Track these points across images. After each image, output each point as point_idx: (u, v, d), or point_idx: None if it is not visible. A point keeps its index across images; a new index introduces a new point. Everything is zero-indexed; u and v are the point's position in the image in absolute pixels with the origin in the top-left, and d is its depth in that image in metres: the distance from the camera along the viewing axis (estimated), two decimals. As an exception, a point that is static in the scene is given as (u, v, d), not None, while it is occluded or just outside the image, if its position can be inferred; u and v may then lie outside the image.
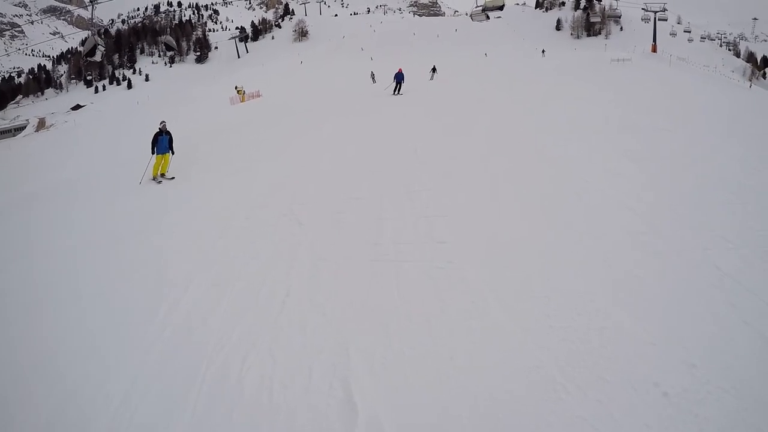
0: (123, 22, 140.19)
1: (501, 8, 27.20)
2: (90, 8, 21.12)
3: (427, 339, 4.11)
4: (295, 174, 9.47)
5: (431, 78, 29.85)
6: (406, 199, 7.31)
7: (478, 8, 27.71)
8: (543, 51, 46.64)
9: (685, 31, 74.98)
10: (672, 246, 5.14)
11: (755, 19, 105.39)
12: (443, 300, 4.64)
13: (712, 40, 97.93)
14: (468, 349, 3.94)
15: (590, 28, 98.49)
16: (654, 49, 36.77)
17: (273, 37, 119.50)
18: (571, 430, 3.15)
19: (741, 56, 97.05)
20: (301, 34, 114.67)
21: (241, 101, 33.43)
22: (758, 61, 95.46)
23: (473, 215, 6.50)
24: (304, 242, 6.29)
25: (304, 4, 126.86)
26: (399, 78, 22.44)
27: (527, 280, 4.79)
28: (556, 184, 7.24)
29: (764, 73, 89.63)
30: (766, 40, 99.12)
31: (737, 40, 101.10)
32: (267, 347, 4.27)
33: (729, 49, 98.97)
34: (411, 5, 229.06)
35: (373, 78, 35.22)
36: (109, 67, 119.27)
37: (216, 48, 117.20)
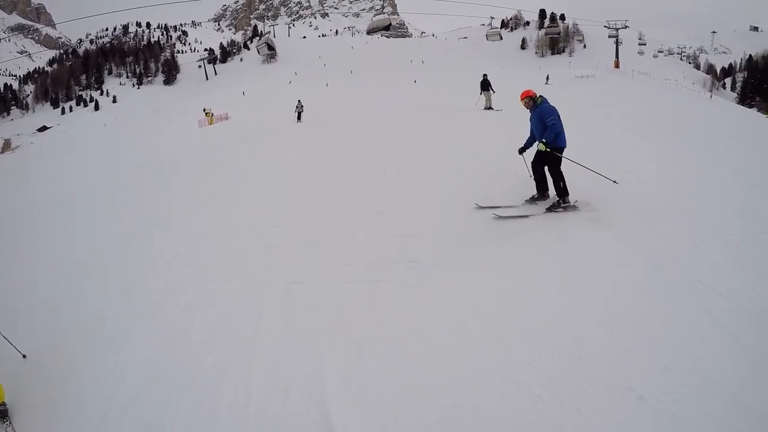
0: (91, 42, 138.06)
1: (387, 28, 27.51)
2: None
3: (403, 359, 4.10)
4: (266, 196, 9.28)
5: (485, 104, 19.03)
6: (376, 219, 7.26)
7: (494, 29, 28.12)
8: (547, 77, 34.90)
9: (639, 43, 77.24)
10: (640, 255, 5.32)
11: (714, 32, 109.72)
12: (417, 319, 4.65)
13: (672, 54, 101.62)
14: (444, 366, 3.94)
15: (554, 47, 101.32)
16: (617, 65, 37.91)
17: (242, 59, 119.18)
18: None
19: (701, 68, 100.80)
20: (270, 56, 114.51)
21: (209, 123, 32.97)
22: (717, 73, 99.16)
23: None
24: (276, 265, 6.18)
25: (273, 26, 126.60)
26: None
27: (501, 295, 4.84)
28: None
29: (723, 84, 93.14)
30: (724, 53, 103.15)
31: (697, 53, 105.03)
32: (241, 374, 4.19)
33: (689, 63, 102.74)
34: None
35: (298, 114, 25.31)
36: (77, 88, 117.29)
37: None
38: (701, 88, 61.03)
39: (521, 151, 7.15)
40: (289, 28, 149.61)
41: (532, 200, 7.04)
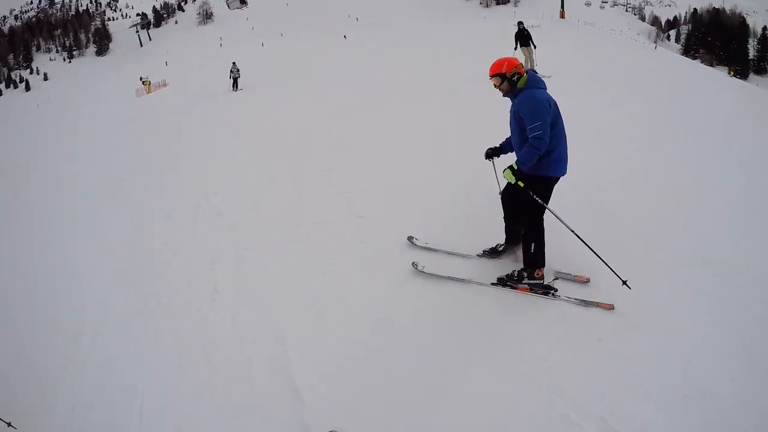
0: (15, 18, 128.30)
1: None
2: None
3: (364, 319, 4.07)
4: (208, 161, 9.13)
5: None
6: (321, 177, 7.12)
7: None
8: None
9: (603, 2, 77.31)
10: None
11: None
12: (371, 274, 4.63)
13: (617, 5, 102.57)
14: (403, 323, 3.95)
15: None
16: (562, 15, 37.50)
17: (176, 22, 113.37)
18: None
19: (646, 20, 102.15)
20: (206, 16, 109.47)
21: (147, 92, 31.33)
22: (662, 25, 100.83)
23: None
24: (225, 232, 6.05)
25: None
26: None
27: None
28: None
29: (668, 36, 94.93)
30: (669, 5, 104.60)
31: (642, 4, 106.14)
32: (201, 350, 4.13)
33: (635, 14, 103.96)
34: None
35: (234, 81, 21.29)
36: (4, 70, 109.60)
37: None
38: (646, 39, 61.71)
39: (489, 155, 4.45)
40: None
41: (493, 253, 4.53)
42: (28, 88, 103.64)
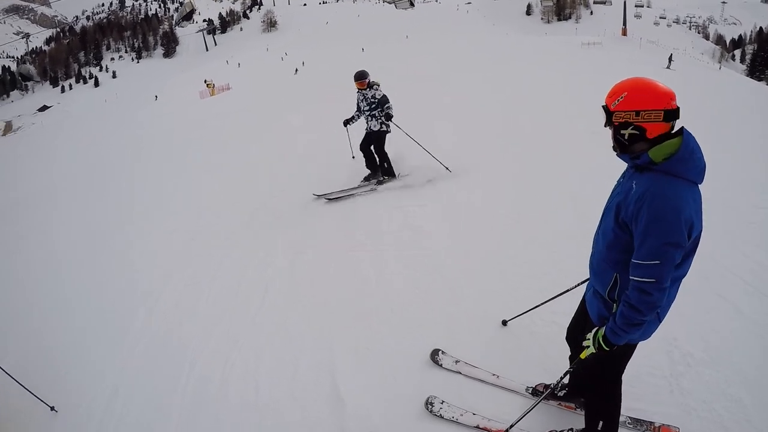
0: (87, 18, 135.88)
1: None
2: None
3: (411, 328, 3.97)
4: (268, 162, 9.23)
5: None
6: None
7: None
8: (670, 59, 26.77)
9: (660, 18, 75.58)
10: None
11: (724, 2, 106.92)
12: (420, 288, 4.54)
13: (681, 23, 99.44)
14: (447, 337, 3.79)
15: (560, 13, 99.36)
16: (624, 33, 36.85)
17: (241, 29, 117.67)
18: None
19: (710, 39, 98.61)
20: (270, 24, 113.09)
21: (211, 94, 32.70)
22: (727, 44, 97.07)
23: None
24: (280, 236, 6.10)
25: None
26: None
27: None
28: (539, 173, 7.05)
29: (733, 56, 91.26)
30: (734, 24, 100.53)
31: (706, 23, 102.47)
32: (249, 345, 4.14)
33: (698, 32, 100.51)
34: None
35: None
36: (75, 66, 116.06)
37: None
38: (710, 59, 59.62)
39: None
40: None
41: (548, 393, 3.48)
42: (97, 84, 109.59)
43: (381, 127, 7.05)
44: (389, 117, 6.94)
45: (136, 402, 3.81)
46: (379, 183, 7.20)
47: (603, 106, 2.16)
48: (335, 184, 7.34)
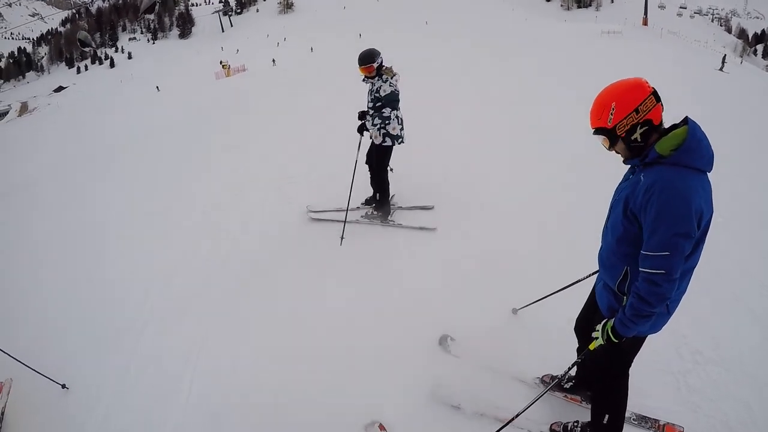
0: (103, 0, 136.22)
1: None
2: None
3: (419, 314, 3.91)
4: (282, 149, 9.02)
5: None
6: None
7: None
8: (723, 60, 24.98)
9: (681, 8, 74.07)
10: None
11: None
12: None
13: (704, 15, 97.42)
14: (456, 325, 3.76)
15: (581, 0, 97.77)
16: (645, 23, 36.19)
17: (258, 10, 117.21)
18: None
19: (732, 32, 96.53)
20: (287, 6, 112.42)
21: (227, 75, 32.83)
22: (749, 38, 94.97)
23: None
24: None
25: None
26: None
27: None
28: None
29: (755, 51, 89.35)
30: (758, 18, 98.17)
31: (729, 16, 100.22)
32: (257, 330, 4.13)
33: (720, 25, 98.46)
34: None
35: None
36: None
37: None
38: (732, 53, 58.39)
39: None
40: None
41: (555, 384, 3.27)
42: (112, 65, 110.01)
43: (383, 140, 5.17)
44: (385, 125, 5.09)
45: (145, 380, 3.83)
46: (368, 216, 5.63)
47: (597, 130, 2.19)
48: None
